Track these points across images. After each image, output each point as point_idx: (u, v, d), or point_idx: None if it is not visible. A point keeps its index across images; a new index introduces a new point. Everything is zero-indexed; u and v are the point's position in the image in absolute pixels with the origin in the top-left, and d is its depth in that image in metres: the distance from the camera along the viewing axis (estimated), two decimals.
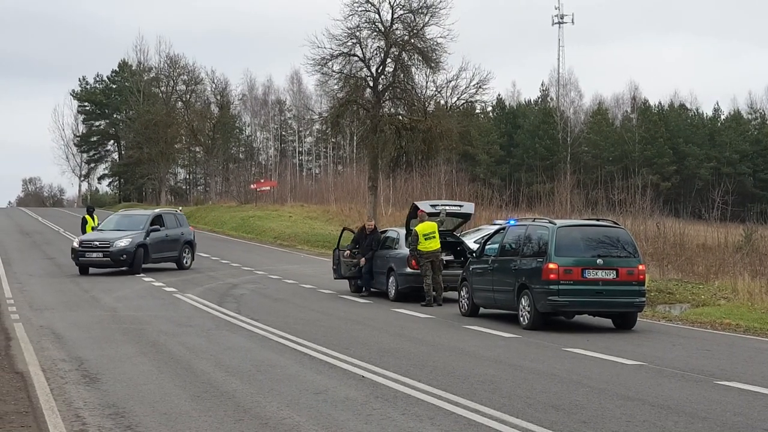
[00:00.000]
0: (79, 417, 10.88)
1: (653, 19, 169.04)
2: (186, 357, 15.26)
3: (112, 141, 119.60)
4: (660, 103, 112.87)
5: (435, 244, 24.15)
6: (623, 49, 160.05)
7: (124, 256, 32.18)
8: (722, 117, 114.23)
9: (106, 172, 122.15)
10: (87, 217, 36.76)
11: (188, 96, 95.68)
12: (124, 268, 32.61)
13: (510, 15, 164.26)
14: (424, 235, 24.11)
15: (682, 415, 10.88)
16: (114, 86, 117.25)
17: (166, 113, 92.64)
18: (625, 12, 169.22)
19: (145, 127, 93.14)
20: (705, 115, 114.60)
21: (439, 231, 24.74)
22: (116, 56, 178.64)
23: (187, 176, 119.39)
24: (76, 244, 32.92)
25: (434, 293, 24.04)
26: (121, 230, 33.59)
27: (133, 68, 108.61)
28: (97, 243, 32.54)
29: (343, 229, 29.50)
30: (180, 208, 74.63)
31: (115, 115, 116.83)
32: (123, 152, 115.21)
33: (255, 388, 12.47)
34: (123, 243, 32.41)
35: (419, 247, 24.05)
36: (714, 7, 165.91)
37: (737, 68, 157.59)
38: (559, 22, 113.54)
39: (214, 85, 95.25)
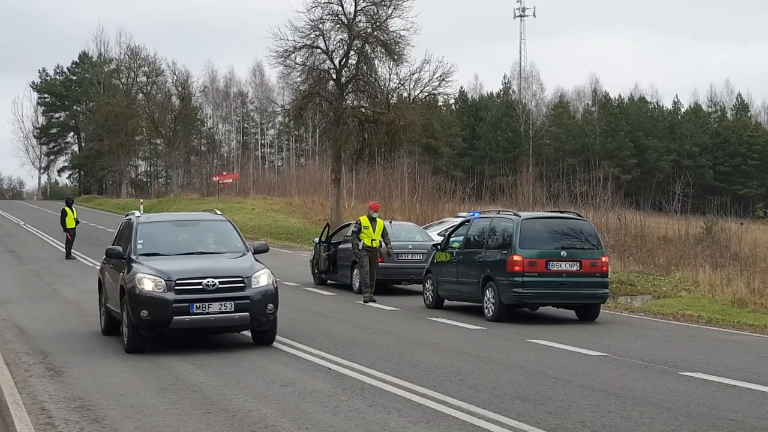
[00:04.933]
0: (45, 410, 10.82)
1: (614, 13, 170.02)
2: (151, 350, 15.19)
3: (72, 133, 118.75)
4: (620, 96, 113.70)
5: (375, 243, 23.31)
6: (584, 43, 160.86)
7: (272, 307, 15.28)
8: (682, 110, 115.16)
9: (66, 164, 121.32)
10: (66, 209, 36.10)
11: (149, 88, 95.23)
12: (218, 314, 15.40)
13: (472, 8, 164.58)
14: (365, 227, 23.35)
15: (647, 405, 10.97)
16: (74, 78, 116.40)
17: (126, 105, 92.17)
18: (586, 5, 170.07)
19: (106, 119, 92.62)
20: (665, 109, 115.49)
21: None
22: (76, 47, 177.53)
23: (149, 168, 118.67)
24: (153, 284, 14.84)
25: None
26: (202, 254, 16.28)
27: (94, 60, 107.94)
28: (212, 282, 14.87)
29: (326, 225, 29.02)
30: (141, 200, 74.41)
31: (75, 107, 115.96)
32: (83, 144, 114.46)
33: (221, 381, 12.45)
34: (264, 280, 15.39)
35: (362, 237, 23.36)
36: (675, 1, 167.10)
37: (697, 61, 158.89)
38: (521, 15, 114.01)
39: (175, 77, 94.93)
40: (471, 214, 25.72)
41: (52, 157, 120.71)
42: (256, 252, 16.06)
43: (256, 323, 15.07)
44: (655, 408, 10.82)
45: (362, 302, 22.74)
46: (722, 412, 10.62)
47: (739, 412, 10.62)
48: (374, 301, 22.85)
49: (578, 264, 19.15)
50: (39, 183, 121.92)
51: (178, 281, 14.63)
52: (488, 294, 19.57)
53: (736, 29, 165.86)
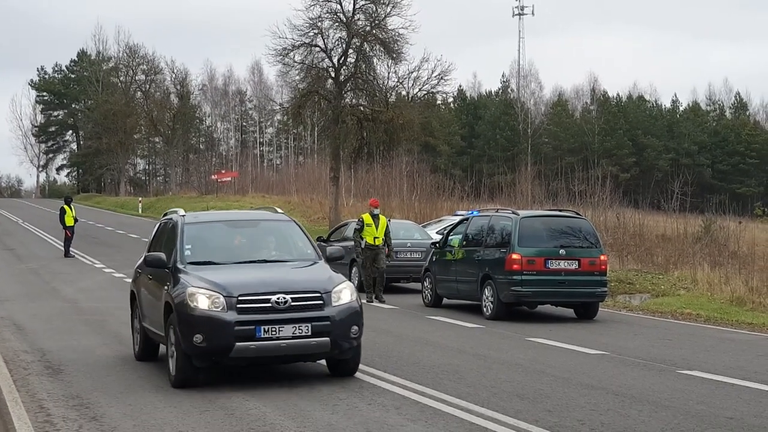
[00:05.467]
0: (43, 408, 10.82)
1: (613, 11, 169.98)
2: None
3: (70, 131, 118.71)
4: (619, 94, 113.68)
5: (378, 241, 23.06)
6: (583, 41, 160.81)
7: (356, 329, 12.50)
8: (681, 109, 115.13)
9: (65, 162, 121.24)
10: (65, 207, 36.10)
11: (148, 86, 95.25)
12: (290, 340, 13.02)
13: (471, 6, 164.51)
14: (367, 224, 23.06)
15: (645, 403, 10.98)
16: (73, 76, 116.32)
17: (125, 103, 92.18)
18: (585, 4, 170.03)
19: (104, 117, 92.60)
20: (664, 107, 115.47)
21: None
22: (75, 46, 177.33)
23: (147, 167, 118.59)
24: (209, 302, 11.91)
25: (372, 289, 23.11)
26: (265, 262, 13.27)
27: (92, 58, 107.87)
28: (283, 299, 11.91)
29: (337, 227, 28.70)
30: (140, 199, 74.42)
31: (73, 105, 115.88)
32: (82, 142, 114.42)
33: (220, 379, 12.44)
34: (347, 295, 12.58)
35: (364, 236, 23.11)
36: (675, 0, 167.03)
37: (696, 60, 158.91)
38: (520, 14, 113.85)
39: (173, 75, 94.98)
40: (470, 212, 25.68)
41: (50, 156, 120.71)
42: (329, 259, 13.27)
43: (337, 350, 12.08)
44: (654, 406, 10.82)
45: (365, 301, 22.69)
46: (720, 411, 10.62)
47: (738, 411, 10.63)
48: (382, 302, 22.70)
49: (577, 262, 19.17)
50: (37, 181, 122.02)
51: (240, 297, 11.68)
52: (487, 292, 19.59)
53: (734, 28, 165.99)
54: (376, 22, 47.76)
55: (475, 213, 23.16)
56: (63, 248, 35.84)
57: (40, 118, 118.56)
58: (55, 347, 15.28)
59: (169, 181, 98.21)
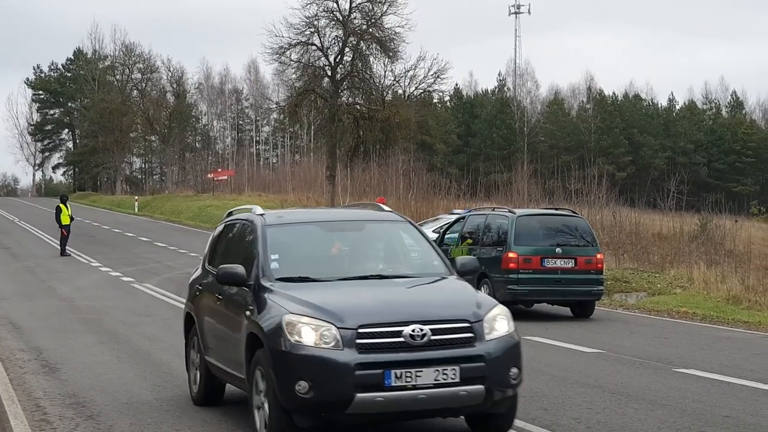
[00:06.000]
0: (40, 407, 10.81)
1: (609, 10, 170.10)
2: (146, 347, 15.19)
3: (66, 130, 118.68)
4: (615, 93, 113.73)
5: None
6: (579, 40, 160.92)
7: (516, 372, 8.85)
8: (677, 107, 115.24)
9: (61, 161, 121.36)
10: (61, 206, 36.08)
11: (144, 84, 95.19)
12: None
13: (467, 5, 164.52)
14: None
15: (641, 402, 10.99)
16: (69, 75, 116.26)
17: (121, 102, 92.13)
18: (581, 2, 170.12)
19: (100, 115, 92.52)
20: (660, 106, 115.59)
21: None
22: (71, 44, 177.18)
23: (143, 165, 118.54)
24: (316, 334, 8.46)
25: None
26: (382, 278, 9.62)
27: (88, 56, 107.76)
28: (419, 331, 8.44)
29: None
30: (136, 197, 74.38)
31: (69, 104, 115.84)
32: (78, 141, 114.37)
33: None
34: (504, 324, 9.08)
35: None
36: None
37: (692, 59, 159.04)
38: (516, 12, 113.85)
39: (170, 74, 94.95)
40: (466, 211, 25.70)
41: (46, 154, 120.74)
42: (462, 272, 9.79)
43: (490, 401, 8.58)
44: (650, 404, 10.83)
45: None
46: (717, 409, 10.63)
47: (734, 409, 10.64)
48: None
49: (573, 261, 19.19)
50: (33, 180, 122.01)
51: (361, 330, 8.30)
52: (483, 291, 19.56)
53: (731, 26, 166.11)
54: (373, 20, 47.86)
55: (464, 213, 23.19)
56: (59, 247, 35.82)
57: (36, 116, 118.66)
58: (51, 346, 15.26)
59: (166, 179, 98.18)
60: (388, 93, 51.03)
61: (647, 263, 30.59)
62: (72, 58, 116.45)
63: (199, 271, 11.52)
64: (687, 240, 35.28)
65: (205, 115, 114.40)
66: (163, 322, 18.21)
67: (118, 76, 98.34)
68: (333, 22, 47.87)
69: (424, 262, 9.99)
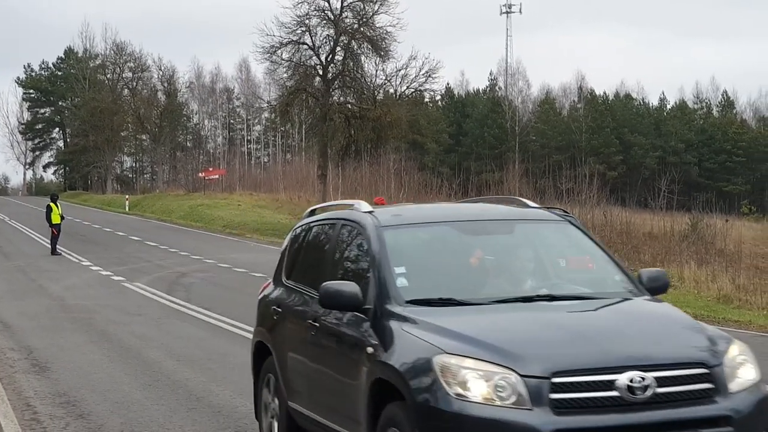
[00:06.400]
0: (30, 406, 10.79)
1: (601, 10, 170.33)
2: (136, 346, 15.16)
3: (57, 129, 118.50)
4: (606, 93, 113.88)
5: None
6: (570, 39, 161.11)
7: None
8: (668, 107, 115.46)
9: (52, 160, 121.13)
10: (51, 205, 35.96)
11: (135, 83, 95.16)
12: None
13: (458, 4, 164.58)
14: None
15: None
16: (59, 73, 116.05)
17: (112, 101, 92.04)
18: (572, 2, 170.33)
19: (91, 114, 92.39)
20: (651, 105, 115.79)
21: None
22: (62, 43, 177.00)
23: (134, 164, 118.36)
24: (489, 385, 5.85)
25: None
26: (553, 299, 7.08)
27: (79, 55, 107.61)
28: (640, 379, 5.87)
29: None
30: (127, 196, 74.27)
31: (60, 103, 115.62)
32: (68, 140, 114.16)
33: (207, 377, 12.43)
34: (749, 371, 6.52)
35: None
36: None
37: (683, 58, 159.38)
38: (507, 12, 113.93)
39: (161, 73, 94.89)
40: None
41: (37, 153, 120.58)
42: (652, 290, 7.35)
43: None
44: None
45: None
46: None
47: None
48: None
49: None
50: (24, 179, 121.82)
51: (556, 377, 5.82)
52: None
53: (722, 26, 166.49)
54: (364, 19, 47.86)
55: None
56: (50, 246, 35.74)
57: (26, 115, 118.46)
58: (41, 345, 15.23)
59: (156, 178, 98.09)
60: (379, 92, 51.03)
61: (638, 262, 30.61)
62: (63, 56, 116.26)
63: (271, 287, 8.98)
64: (678, 239, 35.33)
65: (196, 114, 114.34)
66: (153, 321, 18.17)
67: (109, 75, 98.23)
68: (324, 21, 47.86)
69: (599, 276, 7.68)
